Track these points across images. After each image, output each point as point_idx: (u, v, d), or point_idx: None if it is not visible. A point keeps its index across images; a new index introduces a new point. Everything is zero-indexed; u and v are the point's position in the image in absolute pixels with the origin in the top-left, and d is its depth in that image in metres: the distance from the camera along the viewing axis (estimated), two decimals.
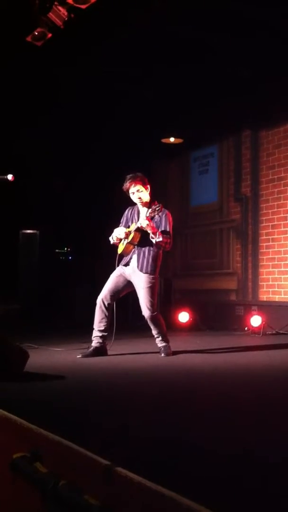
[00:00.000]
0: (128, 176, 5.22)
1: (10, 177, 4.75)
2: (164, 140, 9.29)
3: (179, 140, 9.29)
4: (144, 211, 5.27)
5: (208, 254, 9.21)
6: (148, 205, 5.26)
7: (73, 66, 7.40)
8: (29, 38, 5.68)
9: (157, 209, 5.06)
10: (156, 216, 5.12)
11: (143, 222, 5.02)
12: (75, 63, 7.28)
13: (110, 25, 6.33)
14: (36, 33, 5.60)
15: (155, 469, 1.99)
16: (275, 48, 6.99)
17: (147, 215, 5.11)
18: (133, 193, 5.22)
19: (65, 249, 10.39)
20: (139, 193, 5.21)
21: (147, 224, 5.00)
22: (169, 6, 6.06)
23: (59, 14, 5.35)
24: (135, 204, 5.34)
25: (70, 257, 10.43)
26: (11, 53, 6.24)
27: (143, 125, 9.00)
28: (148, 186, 5.26)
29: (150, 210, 5.12)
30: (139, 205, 5.31)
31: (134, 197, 5.25)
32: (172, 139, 9.26)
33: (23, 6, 5.37)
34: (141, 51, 7.06)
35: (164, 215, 5.18)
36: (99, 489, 1.93)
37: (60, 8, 5.30)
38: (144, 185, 5.22)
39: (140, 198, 5.23)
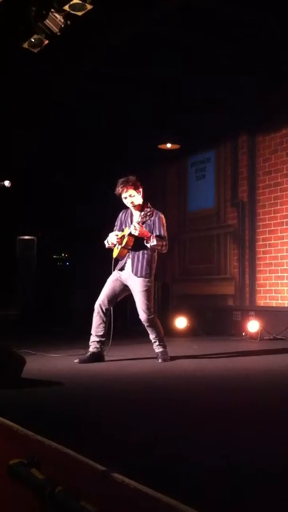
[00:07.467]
0: (120, 181, 5.21)
1: (7, 183, 4.75)
2: (161, 146, 9.30)
3: (176, 146, 9.30)
4: (137, 215, 5.26)
5: (205, 260, 9.20)
6: (141, 208, 5.26)
7: (69, 70, 7.44)
8: (25, 45, 5.69)
9: (148, 214, 5.06)
10: (148, 219, 5.11)
11: (133, 230, 5.02)
12: (71, 67, 7.31)
13: (105, 31, 6.36)
14: (33, 40, 5.62)
15: (152, 475, 1.98)
16: (273, 53, 7.02)
17: (139, 220, 5.09)
18: (126, 198, 5.22)
19: (63, 255, 10.40)
20: (131, 197, 5.20)
21: (139, 232, 5.00)
22: (167, 11, 6.10)
23: (55, 21, 5.36)
24: (128, 207, 5.34)
25: (67, 263, 10.44)
26: (7, 59, 6.26)
27: (140, 131, 9.02)
28: (141, 189, 5.24)
29: (141, 215, 5.11)
30: (132, 209, 5.32)
31: (126, 202, 5.25)
32: (169, 145, 9.27)
33: (20, 13, 5.39)
34: (138, 56, 7.09)
35: (157, 218, 5.18)
36: (96, 495, 1.92)
37: (56, 15, 5.32)
38: (136, 189, 5.20)
39: (132, 202, 5.23)
